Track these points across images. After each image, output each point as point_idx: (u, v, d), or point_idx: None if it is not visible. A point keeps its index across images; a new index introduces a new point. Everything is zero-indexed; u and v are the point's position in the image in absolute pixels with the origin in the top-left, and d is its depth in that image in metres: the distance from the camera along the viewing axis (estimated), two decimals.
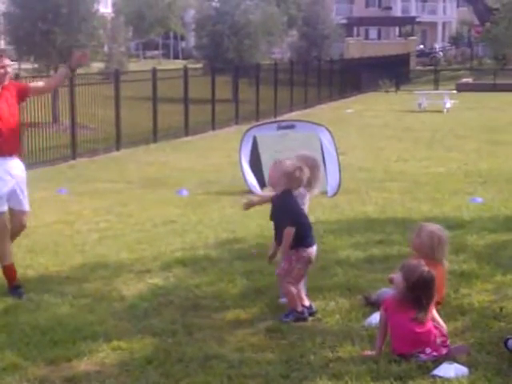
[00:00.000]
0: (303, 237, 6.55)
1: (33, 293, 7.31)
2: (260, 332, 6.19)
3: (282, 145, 13.17)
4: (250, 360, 5.57)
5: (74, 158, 18.27)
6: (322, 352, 5.68)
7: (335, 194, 12.31)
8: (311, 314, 6.55)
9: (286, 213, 6.59)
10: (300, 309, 6.49)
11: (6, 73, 7.46)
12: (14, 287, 7.44)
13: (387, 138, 21.00)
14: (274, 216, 6.78)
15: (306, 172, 6.67)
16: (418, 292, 5.55)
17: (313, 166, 6.98)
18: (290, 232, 6.47)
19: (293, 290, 6.53)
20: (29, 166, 16.62)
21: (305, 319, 6.44)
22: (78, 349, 5.84)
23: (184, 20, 73.47)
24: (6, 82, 7.52)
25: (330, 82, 35.77)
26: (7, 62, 7.50)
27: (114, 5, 66.66)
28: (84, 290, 7.47)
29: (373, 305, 6.56)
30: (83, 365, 5.59)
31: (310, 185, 6.96)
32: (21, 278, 7.90)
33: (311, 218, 10.33)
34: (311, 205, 11.31)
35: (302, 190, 6.95)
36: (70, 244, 9.51)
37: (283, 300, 6.84)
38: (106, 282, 7.71)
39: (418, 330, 5.51)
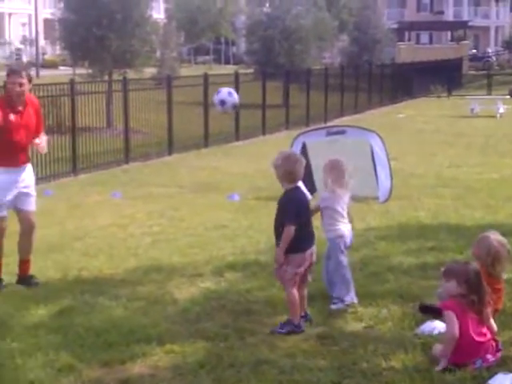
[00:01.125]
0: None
1: (87, 295, 7.41)
2: (311, 338, 6.20)
3: (331, 151, 13.14)
4: (302, 366, 5.58)
5: (127, 162, 18.45)
6: (374, 360, 5.67)
7: (387, 200, 12.27)
8: (306, 321, 6.52)
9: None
10: (297, 322, 6.37)
11: (22, 91, 7.72)
12: None
13: (439, 143, 20.85)
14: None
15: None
16: (478, 288, 5.49)
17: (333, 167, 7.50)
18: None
19: (295, 296, 6.40)
20: (83, 170, 16.93)
21: (299, 332, 6.35)
22: (131, 351, 5.91)
23: (235, 25, 73.65)
24: (23, 98, 7.78)
25: (381, 87, 35.60)
26: (24, 80, 7.72)
27: (166, 10, 67.21)
28: (138, 292, 7.56)
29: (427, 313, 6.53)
30: (137, 367, 5.66)
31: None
32: (76, 280, 8.04)
33: (362, 225, 10.40)
34: (362, 211, 11.36)
35: (338, 190, 7.10)
36: (124, 247, 9.62)
37: (334, 306, 6.86)
38: (159, 286, 7.78)
39: (478, 339, 5.45)
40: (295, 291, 6.43)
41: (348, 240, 7.35)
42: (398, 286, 7.51)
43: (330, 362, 5.64)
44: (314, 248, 6.61)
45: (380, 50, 42.01)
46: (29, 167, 8.13)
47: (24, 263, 8.22)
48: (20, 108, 7.79)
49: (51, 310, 7.02)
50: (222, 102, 8.37)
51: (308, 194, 12.78)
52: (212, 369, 5.57)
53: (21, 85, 7.71)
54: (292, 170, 6.92)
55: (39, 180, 15.70)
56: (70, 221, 11.56)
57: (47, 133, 16.79)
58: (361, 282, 7.54)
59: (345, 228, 7.35)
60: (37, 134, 8.06)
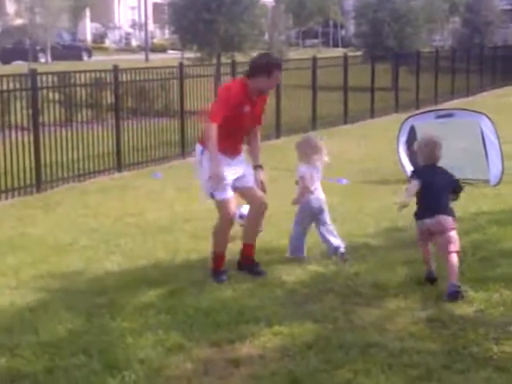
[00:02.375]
0: None
1: (196, 276, 7.48)
2: (421, 321, 6.11)
3: (441, 133, 12.90)
4: (411, 349, 5.51)
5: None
6: (485, 344, 5.55)
7: (498, 184, 11.99)
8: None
9: None
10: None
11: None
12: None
13: None
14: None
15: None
16: None
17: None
18: None
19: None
20: (192, 153, 17.04)
21: None
22: (240, 332, 5.93)
23: (343, 8, 73.16)
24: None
25: (493, 69, 34.77)
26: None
27: None
28: (245, 274, 7.59)
29: None
30: (246, 348, 5.68)
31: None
32: (184, 263, 8.13)
33: (473, 209, 10.19)
34: (473, 194, 11.12)
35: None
36: (232, 229, 9.65)
37: None
38: (267, 268, 7.79)
39: None
40: None
41: (314, 209, 8.25)
42: (509, 270, 7.32)
43: (439, 346, 5.55)
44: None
45: (492, 31, 41.06)
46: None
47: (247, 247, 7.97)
48: (254, 98, 7.66)
49: (161, 291, 7.11)
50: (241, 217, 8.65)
51: None
52: (320, 350, 5.55)
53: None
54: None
55: (149, 163, 15.98)
56: (178, 203, 11.69)
57: (156, 116, 17.08)
58: (472, 267, 7.39)
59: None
60: (259, 124, 8.02)
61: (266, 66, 7.52)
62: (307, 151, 8.31)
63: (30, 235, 9.90)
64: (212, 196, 7.62)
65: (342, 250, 8.13)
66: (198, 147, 7.70)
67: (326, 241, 8.23)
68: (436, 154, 7.48)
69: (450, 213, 7.16)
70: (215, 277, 7.54)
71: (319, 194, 8.36)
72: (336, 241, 8.21)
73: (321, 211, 8.28)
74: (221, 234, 7.77)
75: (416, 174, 7.43)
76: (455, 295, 6.52)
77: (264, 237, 9.09)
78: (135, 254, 8.66)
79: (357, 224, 9.65)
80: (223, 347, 5.70)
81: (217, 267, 7.67)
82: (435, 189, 7.18)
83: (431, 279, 7.08)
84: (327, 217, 8.32)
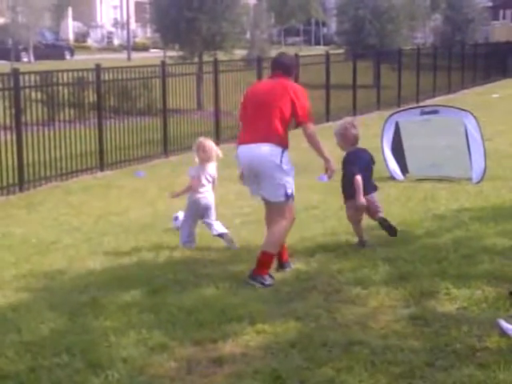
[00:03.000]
0: None
1: (179, 275, 7.48)
2: (403, 319, 6.12)
3: (425, 130, 13.00)
4: (394, 347, 5.51)
5: (217, 143, 18.49)
6: (468, 341, 5.56)
7: (480, 181, 12.04)
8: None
9: None
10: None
11: None
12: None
13: None
14: None
15: None
16: None
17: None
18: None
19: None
20: (174, 151, 17.08)
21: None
22: (223, 330, 5.92)
23: (325, 6, 73.24)
24: None
25: (475, 66, 34.94)
26: None
27: None
28: (228, 272, 7.59)
29: None
30: (228, 346, 5.67)
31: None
32: (167, 261, 8.13)
33: (456, 205, 10.24)
34: (456, 192, 11.18)
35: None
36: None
37: None
38: (250, 266, 7.76)
39: None
40: None
41: (200, 207, 8.94)
42: (492, 267, 7.34)
43: (422, 343, 5.56)
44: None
45: (473, 29, 41.17)
46: None
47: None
48: None
49: (143, 290, 7.09)
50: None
51: (400, 174, 12.70)
52: (303, 348, 5.55)
53: None
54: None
55: (132, 161, 15.96)
56: (161, 201, 11.70)
57: (139, 115, 17.05)
58: (454, 264, 7.41)
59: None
60: None
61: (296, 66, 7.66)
62: (199, 154, 9.03)
63: (12, 235, 9.88)
64: (287, 197, 7.43)
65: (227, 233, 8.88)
66: (276, 148, 7.36)
67: (209, 225, 8.96)
68: (357, 135, 8.76)
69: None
70: (265, 280, 7.17)
71: (206, 194, 8.99)
72: (221, 228, 8.92)
73: (206, 209, 8.95)
74: (286, 235, 7.55)
75: (356, 168, 8.45)
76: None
77: (247, 236, 9.11)
78: (118, 253, 8.66)
79: (338, 221, 9.67)
80: (206, 346, 5.69)
81: (268, 269, 7.30)
82: (365, 172, 8.46)
83: (363, 243, 8.32)
84: (213, 214, 9.00)
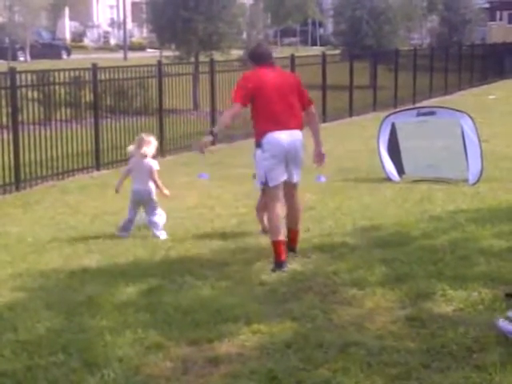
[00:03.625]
0: None
1: (175, 274, 7.48)
2: (400, 320, 6.12)
3: (421, 131, 13.00)
4: (390, 348, 5.52)
5: (213, 143, 18.50)
6: (464, 342, 5.57)
7: (477, 182, 12.05)
8: None
9: None
10: None
11: None
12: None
13: None
14: None
15: None
16: None
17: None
18: None
19: None
20: (170, 151, 17.07)
21: None
22: (219, 330, 5.93)
23: (322, 6, 73.23)
24: None
25: (471, 67, 34.94)
26: None
27: None
28: (224, 273, 7.59)
29: None
30: (224, 346, 5.67)
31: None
32: (163, 260, 8.13)
33: (452, 207, 10.25)
34: (452, 193, 11.19)
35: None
36: (211, 228, 9.68)
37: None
38: (246, 266, 7.80)
39: None
40: None
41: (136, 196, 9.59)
42: (488, 269, 7.36)
43: (418, 345, 5.57)
44: None
45: (470, 30, 41.21)
46: None
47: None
48: None
49: (139, 289, 7.10)
50: None
51: (396, 175, 12.70)
52: (299, 349, 5.56)
53: None
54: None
55: (125, 162, 15.93)
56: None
57: (135, 114, 17.03)
58: (451, 265, 7.43)
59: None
60: None
61: None
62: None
63: (8, 234, 9.86)
64: None
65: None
66: (301, 134, 8.04)
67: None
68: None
69: None
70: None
71: (138, 184, 9.54)
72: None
73: (140, 199, 9.56)
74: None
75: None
76: None
77: (243, 236, 9.11)
78: (114, 252, 8.65)
79: (335, 222, 9.67)
80: (202, 346, 5.69)
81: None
82: None
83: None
84: (149, 207, 9.51)
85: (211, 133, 8.15)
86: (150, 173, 9.50)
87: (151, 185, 9.51)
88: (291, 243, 8.18)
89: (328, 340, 5.68)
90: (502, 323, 5.62)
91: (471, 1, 43.91)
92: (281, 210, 7.94)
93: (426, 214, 9.93)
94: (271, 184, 7.83)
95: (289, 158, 7.87)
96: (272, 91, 7.79)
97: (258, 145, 7.83)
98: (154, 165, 9.54)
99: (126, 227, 9.53)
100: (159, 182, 9.51)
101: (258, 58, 8.05)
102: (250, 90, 7.77)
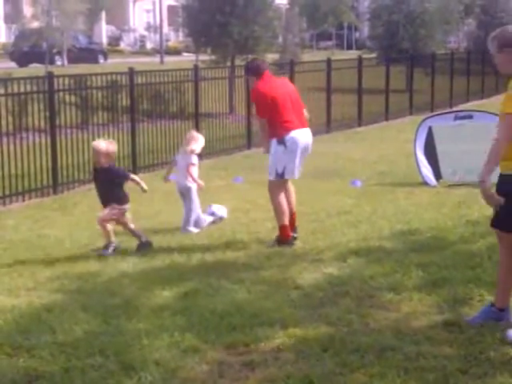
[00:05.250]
0: None
1: (211, 278, 7.49)
2: (437, 325, 6.08)
3: (458, 135, 12.93)
4: (427, 353, 5.47)
5: (249, 147, 18.58)
6: (502, 349, 5.51)
7: None
8: None
9: None
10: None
11: None
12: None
13: None
14: None
15: None
16: None
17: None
18: None
19: None
20: (206, 155, 17.12)
21: None
22: (255, 334, 5.92)
23: (358, 10, 73.07)
24: None
25: None
26: None
27: None
28: (260, 277, 7.59)
29: None
30: (260, 350, 5.65)
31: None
32: (199, 263, 8.15)
33: (489, 212, 10.12)
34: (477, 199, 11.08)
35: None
36: (246, 232, 9.69)
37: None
38: (282, 270, 7.79)
39: None
40: None
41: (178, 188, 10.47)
42: None
43: (456, 350, 5.52)
44: None
45: None
46: None
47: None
48: None
49: (176, 292, 7.12)
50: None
51: (433, 179, 12.62)
52: (335, 353, 5.53)
53: None
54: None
55: (165, 165, 16.01)
56: None
57: (171, 118, 17.10)
58: (488, 270, 7.35)
59: None
60: None
61: None
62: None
63: (46, 236, 9.96)
64: None
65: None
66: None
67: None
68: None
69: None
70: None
71: (179, 178, 10.37)
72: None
73: (180, 192, 10.38)
74: None
75: None
76: None
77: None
78: (151, 255, 8.70)
79: (371, 227, 9.65)
80: (238, 349, 5.69)
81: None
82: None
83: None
84: (187, 201, 10.19)
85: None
86: (187, 167, 10.11)
87: (190, 180, 10.17)
88: (292, 225, 9.17)
89: (364, 344, 5.66)
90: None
91: (509, 4, 43.54)
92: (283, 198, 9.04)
93: (463, 219, 9.86)
94: (287, 176, 8.97)
95: (305, 153, 9.14)
96: (286, 97, 9.02)
97: (280, 142, 8.85)
98: (192, 159, 10.16)
99: (196, 222, 10.17)
100: (194, 176, 10.12)
101: (256, 70, 9.13)
102: (268, 105, 8.87)
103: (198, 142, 10.24)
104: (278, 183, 8.96)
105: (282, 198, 9.01)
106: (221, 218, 10.52)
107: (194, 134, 10.57)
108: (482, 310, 6.11)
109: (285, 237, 8.94)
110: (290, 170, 8.92)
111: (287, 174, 8.94)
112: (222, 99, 18.59)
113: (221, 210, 10.58)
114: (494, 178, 6.05)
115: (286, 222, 8.98)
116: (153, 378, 5.20)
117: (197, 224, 10.15)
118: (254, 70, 9.13)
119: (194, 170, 10.20)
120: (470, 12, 48.58)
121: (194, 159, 10.21)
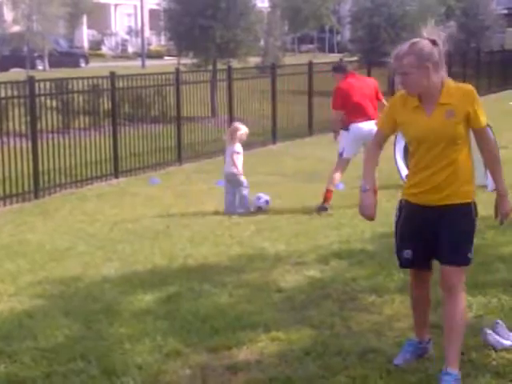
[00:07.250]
0: None
1: (193, 282, 7.48)
2: None
3: None
4: None
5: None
6: (484, 350, 5.53)
7: (496, 189, 11.96)
8: None
9: None
10: None
11: None
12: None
13: None
14: None
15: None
16: None
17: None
18: None
19: None
20: (188, 158, 17.11)
21: None
22: (237, 338, 5.91)
23: (339, 13, 73.23)
24: None
25: (490, 74, 34.83)
26: None
27: None
28: (242, 280, 7.59)
29: None
30: (243, 354, 5.66)
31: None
32: (181, 268, 8.14)
33: None
34: None
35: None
36: (229, 235, 9.68)
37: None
38: (264, 273, 7.79)
39: None
40: None
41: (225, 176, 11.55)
42: (508, 275, 7.32)
43: (438, 352, 5.52)
44: None
45: (489, 36, 41.02)
46: None
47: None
48: None
49: (158, 297, 7.11)
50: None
51: None
52: (318, 356, 5.53)
53: None
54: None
55: (146, 169, 15.99)
56: (175, 208, 11.70)
57: (153, 122, 17.09)
58: (470, 271, 7.35)
59: None
60: None
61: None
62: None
63: (28, 241, 9.91)
64: None
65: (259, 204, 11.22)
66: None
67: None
68: None
69: None
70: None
71: (225, 166, 11.45)
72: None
73: (227, 179, 11.42)
74: None
75: None
76: None
77: (261, 243, 9.11)
78: (132, 260, 8.67)
79: (353, 229, 9.66)
80: (221, 353, 5.68)
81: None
82: None
83: None
84: (236, 187, 11.25)
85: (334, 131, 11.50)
86: (231, 155, 11.23)
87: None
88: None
89: (347, 347, 5.66)
90: (491, 335, 5.59)
91: (490, 7, 43.73)
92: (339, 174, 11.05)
93: None
94: (345, 156, 11.00)
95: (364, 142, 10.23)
96: (356, 91, 10.95)
97: (346, 128, 10.99)
98: (236, 148, 11.26)
99: (229, 207, 11.16)
100: (236, 163, 11.20)
101: (345, 69, 11.47)
102: (343, 97, 10.93)
103: (241, 131, 11.32)
104: (343, 161, 11.07)
105: (339, 172, 11.08)
106: (267, 202, 11.25)
107: (237, 124, 11.78)
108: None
109: (325, 199, 10.94)
110: (348, 152, 11.02)
111: (345, 154, 11.02)
112: (203, 103, 18.58)
113: (265, 197, 11.38)
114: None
115: (332, 188, 11.05)
116: (135, 383, 5.19)
117: (244, 206, 11.16)
118: (340, 69, 11.43)
119: (238, 158, 11.23)
120: (451, 15, 48.75)
121: (238, 147, 11.26)
